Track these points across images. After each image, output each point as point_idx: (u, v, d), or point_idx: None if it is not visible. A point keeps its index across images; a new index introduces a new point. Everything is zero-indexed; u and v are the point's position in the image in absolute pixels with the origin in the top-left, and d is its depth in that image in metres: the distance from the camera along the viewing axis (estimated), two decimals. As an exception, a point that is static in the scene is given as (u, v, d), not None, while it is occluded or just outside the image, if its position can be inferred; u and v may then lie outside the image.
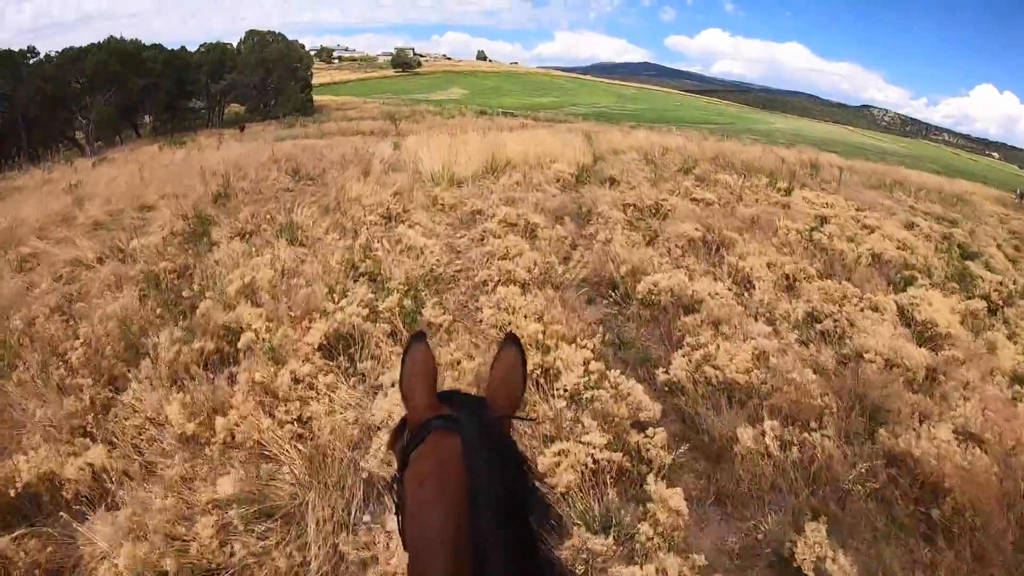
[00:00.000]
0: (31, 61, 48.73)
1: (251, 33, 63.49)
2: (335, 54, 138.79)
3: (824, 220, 12.78)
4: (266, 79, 61.10)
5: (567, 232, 10.71)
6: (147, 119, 57.15)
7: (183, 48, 62.12)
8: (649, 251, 9.77)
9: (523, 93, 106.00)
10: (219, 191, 13.82)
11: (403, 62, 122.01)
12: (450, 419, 1.56)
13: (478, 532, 1.35)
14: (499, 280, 8.19)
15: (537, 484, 1.55)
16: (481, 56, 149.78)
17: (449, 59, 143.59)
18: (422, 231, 10.28)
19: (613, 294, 8.48)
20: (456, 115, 52.09)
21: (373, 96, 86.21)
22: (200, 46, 61.62)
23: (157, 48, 57.13)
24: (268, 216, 11.01)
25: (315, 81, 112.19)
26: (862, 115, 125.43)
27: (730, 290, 8.57)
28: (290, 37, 66.22)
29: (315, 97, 76.76)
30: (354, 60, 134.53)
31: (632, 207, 12.39)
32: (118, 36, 52.71)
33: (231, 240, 9.89)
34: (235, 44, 63.17)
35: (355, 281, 8.03)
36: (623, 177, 15.53)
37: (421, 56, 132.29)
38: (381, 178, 14.01)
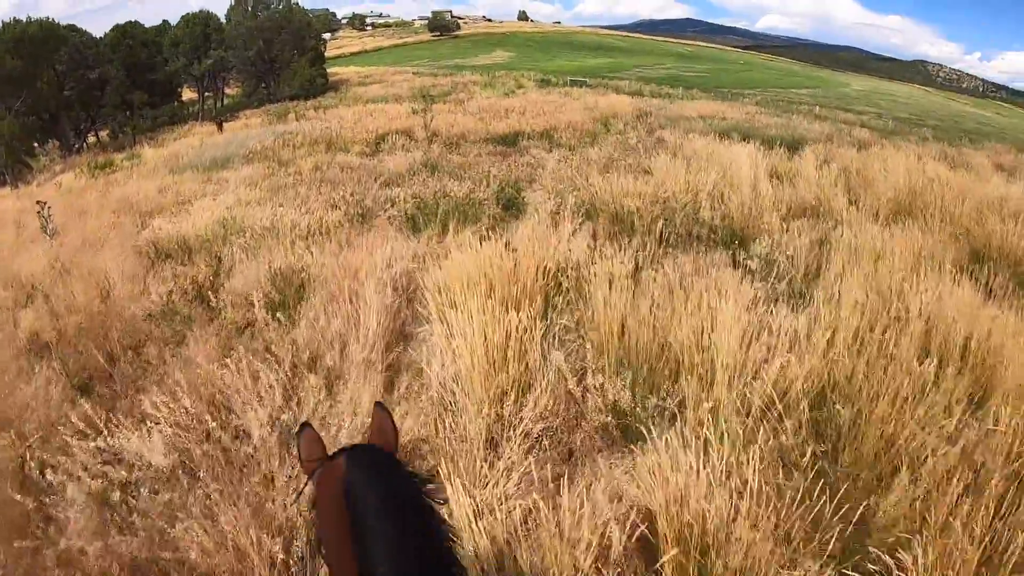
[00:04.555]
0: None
1: (242, -5, 47.77)
2: (368, 20, 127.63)
3: None
4: (265, 53, 45.60)
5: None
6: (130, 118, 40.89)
7: (164, 24, 46.70)
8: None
9: (574, 54, 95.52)
10: None
11: (440, 25, 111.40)
12: (335, 454, 1.72)
13: (369, 560, 1.44)
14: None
15: (426, 492, 1.65)
16: (522, 16, 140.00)
17: (489, 20, 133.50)
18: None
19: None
20: (514, 89, 36.57)
21: (409, 63, 73.53)
22: (181, 18, 46.10)
23: (129, 26, 41.85)
24: None
25: (347, 50, 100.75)
26: (916, 70, 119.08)
27: None
28: (320, 7, 51.83)
29: (339, 69, 62.65)
30: (388, 26, 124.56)
31: None
32: (24, 18, 35.79)
33: None
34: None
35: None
36: None
37: (460, 18, 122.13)
38: None
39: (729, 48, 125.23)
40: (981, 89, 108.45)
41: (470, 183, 9.54)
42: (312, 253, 6.51)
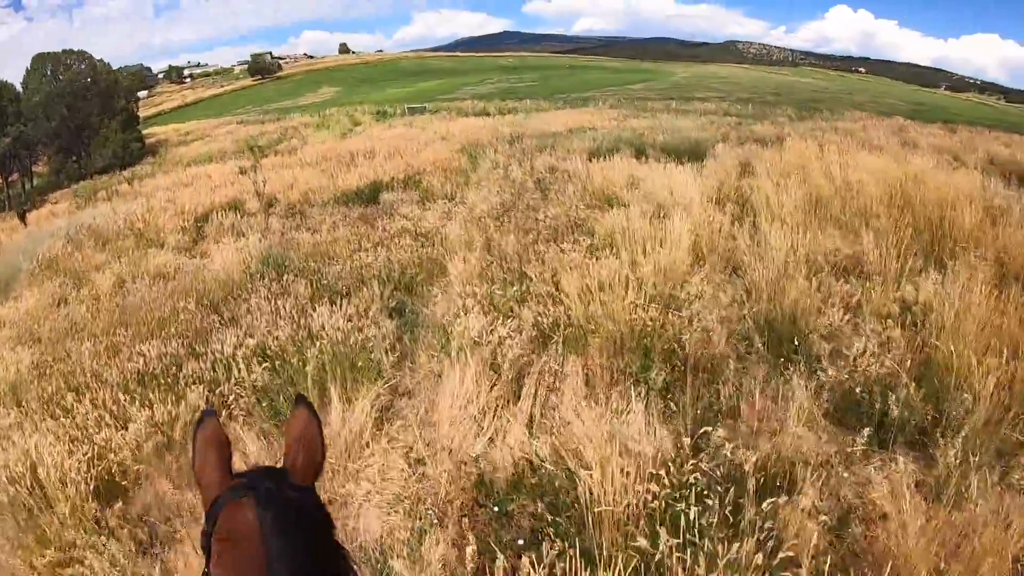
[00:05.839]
0: None
1: (39, 58, 41.44)
2: (186, 72, 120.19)
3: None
4: (69, 121, 39.99)
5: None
6: None
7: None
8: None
9: (403, 80, 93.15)
10: None
11: (261, 68, 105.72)
12: (242, 488, 1.25)
13: None
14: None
15: (343, 548, 1.31)
16: (344, 49, 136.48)
17: (311, 58, 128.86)
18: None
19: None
20: (351, 127, 33.42)
21: (231, 113, 68.37)
22: (-26, 90, 39.61)
23: None
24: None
25: (166, 107, 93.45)
26: (728, 50, 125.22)
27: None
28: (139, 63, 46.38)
29: (157, 129, 56.84)
30: (208, 75, 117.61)
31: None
32: None
33: None
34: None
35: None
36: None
37: (280, 59, 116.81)
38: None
39: (549, 54, 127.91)
40: (791, 59, 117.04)
41: (346, 300, 6.53)
42: None
